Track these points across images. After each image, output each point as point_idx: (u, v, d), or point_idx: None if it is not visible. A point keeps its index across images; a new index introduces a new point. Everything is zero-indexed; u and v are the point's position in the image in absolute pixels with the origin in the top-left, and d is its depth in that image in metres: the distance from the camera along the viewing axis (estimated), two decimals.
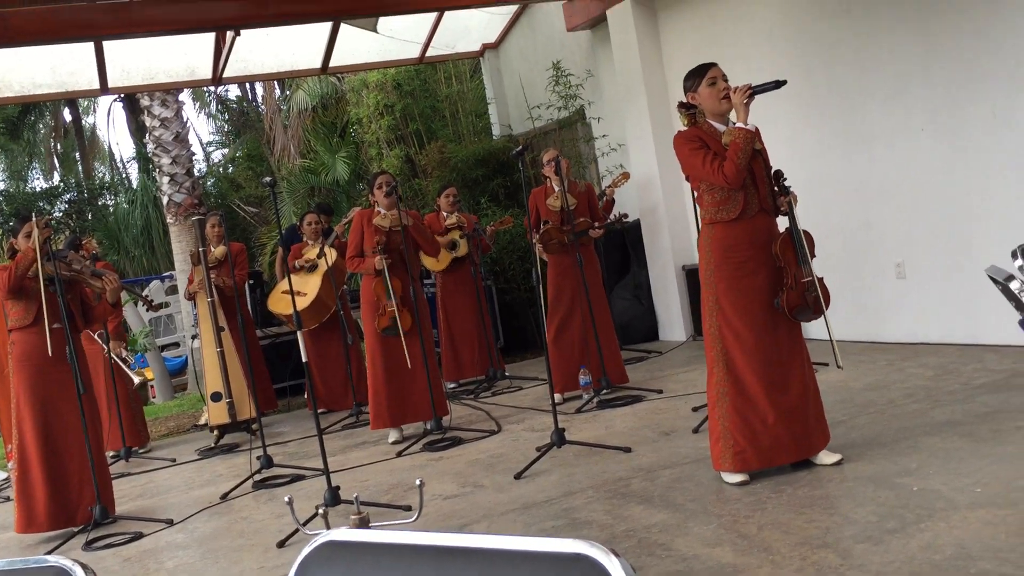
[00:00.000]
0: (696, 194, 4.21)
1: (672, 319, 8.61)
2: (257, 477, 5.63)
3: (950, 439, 4.18)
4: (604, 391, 6.40)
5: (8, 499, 6.29)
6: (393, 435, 6.26)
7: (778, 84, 4.01)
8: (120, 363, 7.13)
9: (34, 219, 5.08)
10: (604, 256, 8.62)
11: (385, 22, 9.44)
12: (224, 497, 5.43)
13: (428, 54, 10.43)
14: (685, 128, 4.16)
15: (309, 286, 7.63)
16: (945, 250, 6.24)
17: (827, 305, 4.15)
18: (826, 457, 4.11)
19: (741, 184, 3.99)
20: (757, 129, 4.01)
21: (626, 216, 7.59)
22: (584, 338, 6.57)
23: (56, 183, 22.15)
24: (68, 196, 20.59)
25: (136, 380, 7.22)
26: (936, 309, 6.37)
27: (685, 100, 4.17)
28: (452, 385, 8.00)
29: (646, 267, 8.90)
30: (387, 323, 6.09)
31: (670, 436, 5.15)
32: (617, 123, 9.08)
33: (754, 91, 3.97)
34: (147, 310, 7.43)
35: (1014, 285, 2.48)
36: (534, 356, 9.08)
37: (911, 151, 6.36)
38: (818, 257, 7.07)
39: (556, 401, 5.92)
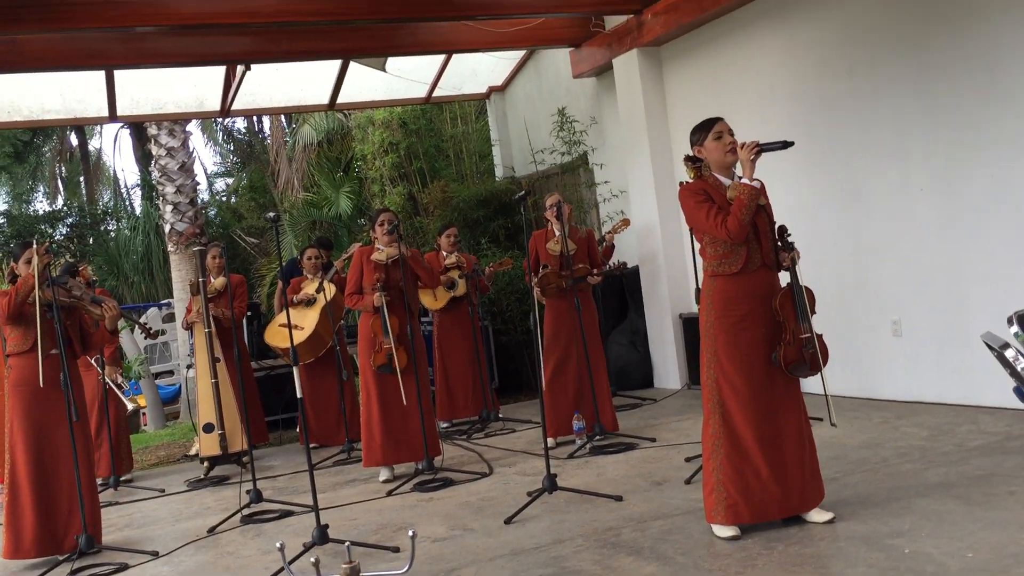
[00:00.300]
0: (699, 246, 4.24)
1: (668, 367, 8.61)
2: (246, 511, 5.59)
3: (943, 501, 4.17)
4: (597, 437, 6.39)
5: None
6: (384, 473, 6.23)
7: (786, 144, 4.05)
8: (115, 389, 7.11)
9: (35, 246, 5.09)
10: (602, 302, 8.64)
11: (394, 62, 9.56)
12: (212, 531, 5.39)
13: (435, 94, 10.54)
14: (691, 180, 4.20)
15: (306, 320, 7.64)
16: (942, 310, 6.26)
17: (824, 362, 4.16)
18: (818, 515, 4.10)
19: (744, 239, 4.02)
20: (762, 184, 4.05)
21: (625, 265, 7.62)
22: (579, 383, 6.57)
23: (59, 207, 22.21)
24: (70, 220, 20.63)
25: (130, 407, 7.20)
26: (932, 368, 6.38)
27: (691, 154, 4.21)
28: (445, 425, 7.97)
29: (643, 314, 8.92)
30: (383, 360, 6.09)
31: (662, 486, 5.13)
32: (619, 170, 9.15)
33: (761, 148, 4.01)
34: (145, 337, 7.42)
35: (1009, 353, 2.51)
36: (528, 398, 9.07)
37: (910, 210, 6.41)
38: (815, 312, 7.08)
39: (549, 445, 5.91)
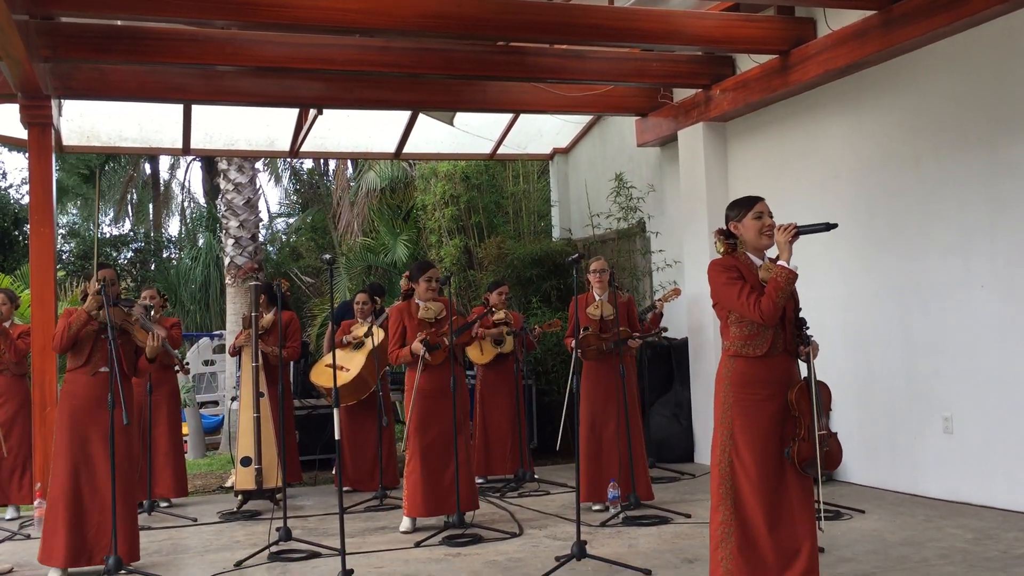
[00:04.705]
0: (721, 323, 4.11)
1: (709, 443, 8.45)
2: (274, 548, 5.60)
3: None
4: (631, 507, 6.31)
5: (28, 536, 6.34)
6: (406, 524, 6.20)
7: (828, 227, 3.94)
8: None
9: (95, 281, 5.24)
10: (648, 370, 8.59)
11: (461, 117, 9.73)
12: (238, 565, 5.41)
13: (499, 151, 10.69)
14: (721, 255, 4.12)
15: (353, 363, 7.70)
16: (995, 411, 6.11)
17: (838, 462, 4.02)
18: None
19: (775, 322, 3.91)
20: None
21: (665, 328, 7.59)
22: (617, 450, 6.51)
23: (126, 231, 22.80)
24: (135, 245, 21.15)
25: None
26: (981, 469, 6.20)
27: (726, 228, 4.13)
28: (480, 480, 7.93)
29: (689, 386, 8.83)
30: (437, 341, 6.07)
31: (693, 564, 5.04)
32: (675, 240, 9.15)
33: (800, 231, 3.89)
34: (176, 371, 7.56)
35: None
36: (566, 461, 8.99)
37: (968, 306, 6.30)
38: (861, 403, 6.97)
39: (588, 509, 5.84)
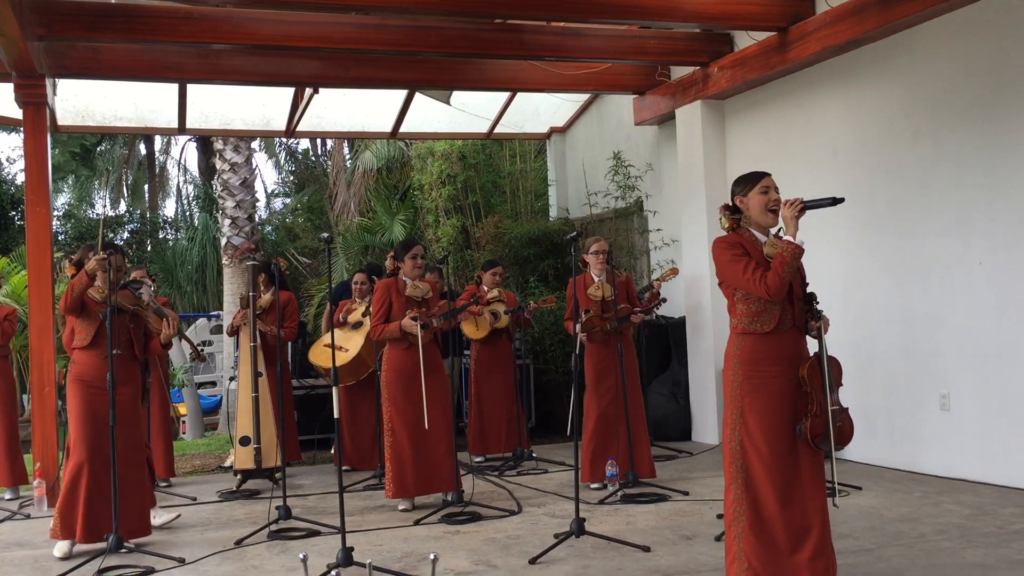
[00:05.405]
0: (728, 301, 4.07)
1: (707, 421, 8.52)
2: (274, 527, 5.63)
3: None
4: (629, 485, 6.33)
5: (28, 516, 6.36)
6: (405, 503, 6.22)
7: (835, 201, 3.90)
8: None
9: (100, 251, 5.22)
10: (645, 350, 8.60)
11: (458, 96, 9.68)
12: (239, 543, 5.43)
13: (496, 131, 10.66)
14: (725, 231, 4.07)
15: (352, 343, 7.70)
16: (993, 387, 6.13)
17: (850, 438, 4.02)
18: None
19: (782, 298, 3.87)
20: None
21: (665, 300, 7.57)
22: (616, 429, 6.53)
23: (122, 212, 22.73)
24: (131, 226, 21.10)
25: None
26: (978, 446, 6.23)
27: (731, 203, 4.08)
28: (479, 459, 7.96)
29: (686, 365, 8.85)
30: (427, 320, 6.08)
31: (691, 541, 5.06)
32: (673, 219, 9.14)
33: (806, 206, 3.86)
34: (193, 359, 7.58)
35: None
36: (563, 440, 9.02)
37: (966, 284, 6.31)
38: (860, 380, 6.99)
39: (586, 488, 5.86)
